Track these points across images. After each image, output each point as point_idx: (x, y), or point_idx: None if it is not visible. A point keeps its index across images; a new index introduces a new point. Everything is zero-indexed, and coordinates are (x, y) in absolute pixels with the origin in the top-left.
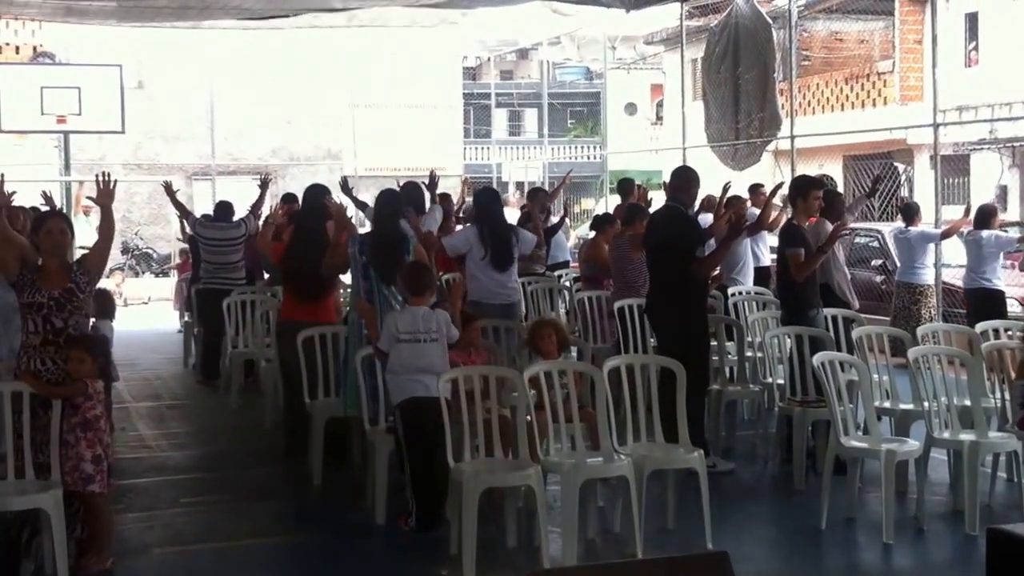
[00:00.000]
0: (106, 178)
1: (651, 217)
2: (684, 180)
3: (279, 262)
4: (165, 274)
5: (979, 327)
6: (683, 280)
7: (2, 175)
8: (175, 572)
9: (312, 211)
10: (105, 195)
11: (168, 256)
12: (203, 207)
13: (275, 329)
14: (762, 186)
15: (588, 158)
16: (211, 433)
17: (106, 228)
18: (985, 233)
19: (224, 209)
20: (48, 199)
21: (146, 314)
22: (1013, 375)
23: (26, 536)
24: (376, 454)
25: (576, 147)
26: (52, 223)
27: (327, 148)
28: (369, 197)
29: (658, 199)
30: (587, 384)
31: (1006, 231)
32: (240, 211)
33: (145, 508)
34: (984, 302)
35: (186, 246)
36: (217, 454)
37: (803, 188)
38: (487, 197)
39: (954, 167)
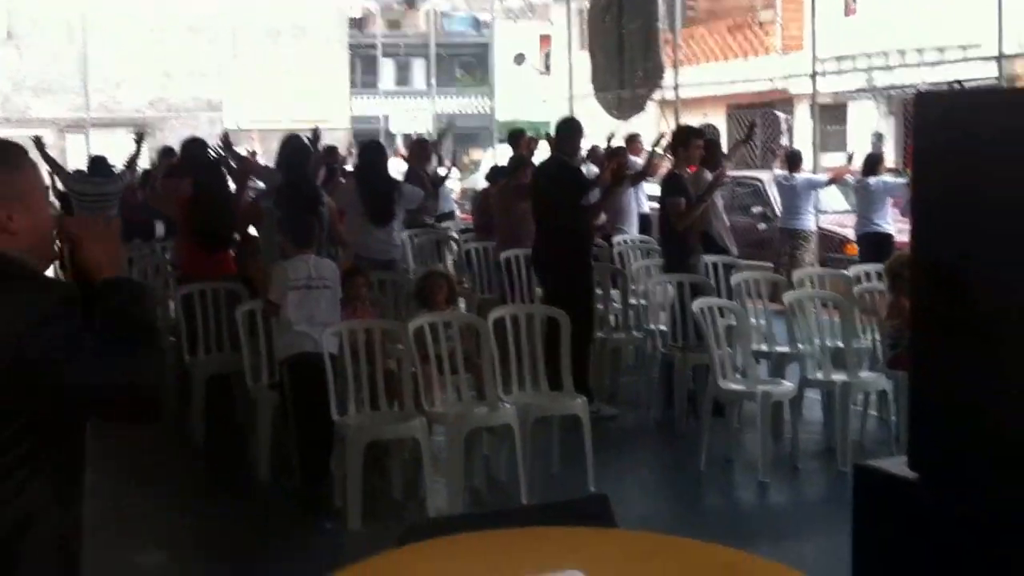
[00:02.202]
0: None
1: (536, 168)
2: (568, 131)
3: (183, 217)
4: None
5: (852, 270)
6: (568, 229)
7: None
8: None
9: (210, 163)
10: None
11: None
12: (77, 162)
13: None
14: (639, 136)
15: (477, 109)
16: None
17: None
18: (873, 179)
19: (99, 164)
20: None
21: None
22: (883, 316)
23: None
24: (259, 411)
25: (465, 97)
26: None
27: (207, 100)
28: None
29: (544, 150)
30: (473, 335)
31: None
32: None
33: None
34: (875, 246)
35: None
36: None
37: (684, 138)
38: (370, 152)
39: (833, 116)
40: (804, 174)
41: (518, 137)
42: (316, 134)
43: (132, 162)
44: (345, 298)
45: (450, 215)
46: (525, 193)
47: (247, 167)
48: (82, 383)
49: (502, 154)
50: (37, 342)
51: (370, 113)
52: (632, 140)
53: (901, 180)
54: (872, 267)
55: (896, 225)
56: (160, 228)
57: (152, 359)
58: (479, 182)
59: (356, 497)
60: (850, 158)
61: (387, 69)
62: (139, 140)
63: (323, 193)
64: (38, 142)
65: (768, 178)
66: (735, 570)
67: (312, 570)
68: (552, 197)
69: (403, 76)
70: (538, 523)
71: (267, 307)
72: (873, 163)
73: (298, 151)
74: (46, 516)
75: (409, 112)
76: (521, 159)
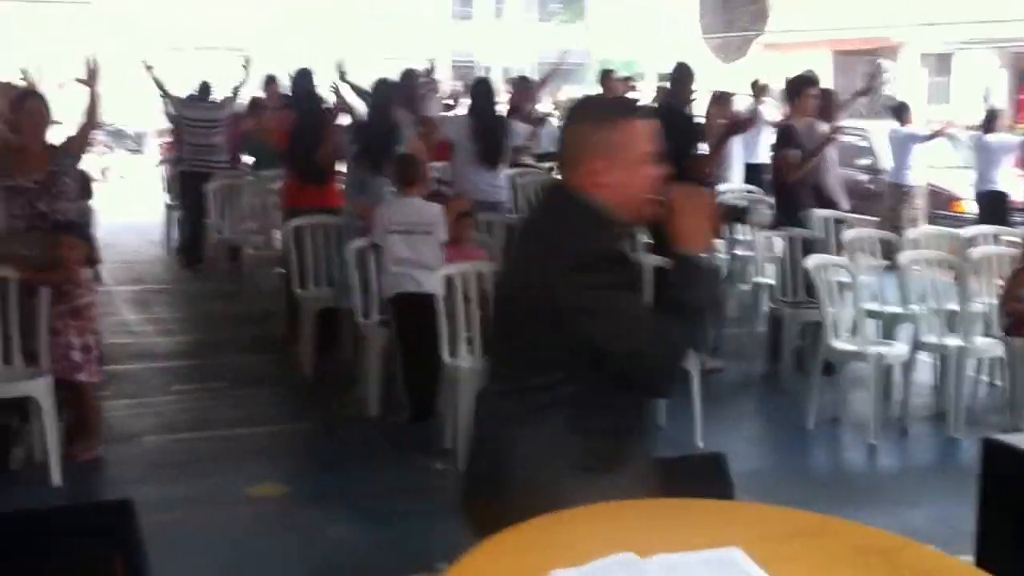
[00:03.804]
0: (92, 62)
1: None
2: (681, 77)
3: (284, 147)
4: (140, 151)
5: (970, 231)
6: (680, 178)
7: None
8: (167, 460)
9: (312, 95)
10: (91, 77)
11: (143, 135)
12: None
13: (284, 218)
14: (768, 86)
15: (573, 45)
16: (197, 319)
17: (91, 110)
18: (992, 137)
19: (205, 89)
20: (27, 75)
21: (123, 194)
22: (1006, 285)
23: (15, 424)
24: (369, 347)
25: (561, 32)
26: (31, 103)
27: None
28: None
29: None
30: None
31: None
32: (220, 90)
33: (133, 395)
34: (992, 204)
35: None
36: (204, 341)
37: (797, 87)
38: (482, 89)
39: (938, 66)
40: (909, 127)
41: (606, 77)
42: (431, 66)
43: (238, 89)
44: (451, 239)
45: (553, 155)
46: None
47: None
48: (598, 341)
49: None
50: (571, 289)
51: (464, 47)
52: (756, 87)
53: (1018, 137)
54: (992, 229)
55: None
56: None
57: (679, 343)
58: None
59: (466, 438)
60: (949, 123)
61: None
62: (246, 66)
63: (400, 130)
64: (146, 65)
65: (875, 129)
66: (896, 556)
67: (424, 511)
68: (664, 144)
69: (499, 8)
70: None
71: (372, 247)
72: (992, 120)
73: (381, 91)
74: (563, 444)
75: (504, 45)
76: None
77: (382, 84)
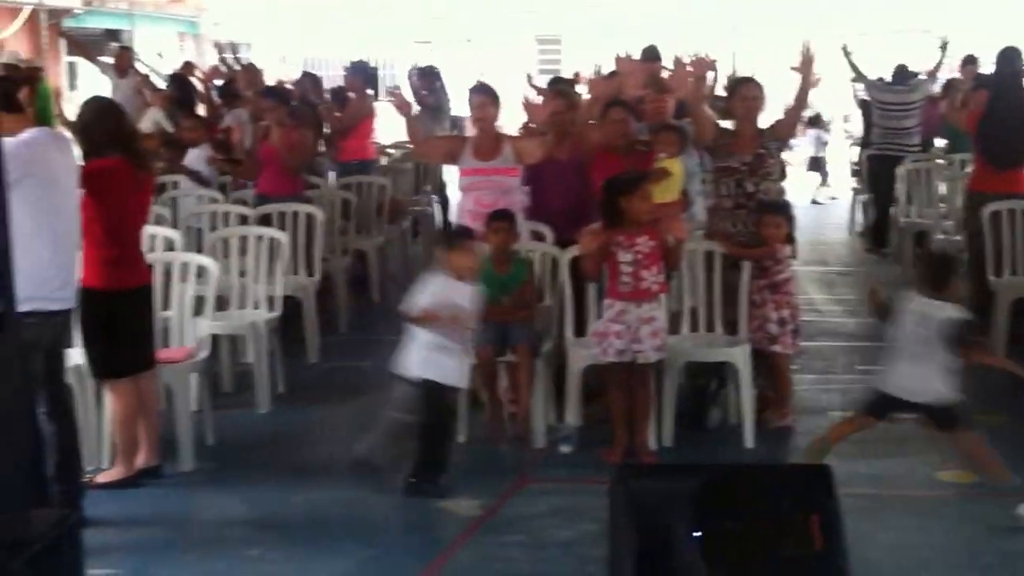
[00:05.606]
0: (808, 50)
1: None
2: None
3: (974, 129)
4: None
5: None
6: None
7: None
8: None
9: (1011, 75)
10: (806, 64)
11: (826, 120)
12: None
13: (965, 202)
14: None
15: None
16: None
17: (801, 96)
18: None
19: (901, 72)
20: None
21: (806, 176)
22: None
23: (713, 387)
24: None
25: None
26: (747, 89)
27: None
28: None
29: None
30: None
31: None
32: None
33: (820, 371)
34: None
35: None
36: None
37: None
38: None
39: None
40: None
41: None
42: None
43: (934, 72)
44: None
45: None
46: None
47: None
48: None
49: None
50: None
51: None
52: None
53: None
54: None
55: None
56: None
57: None
58: None
59: None
60: None
61: None
62: (943, 47)
63: None
64: (845, 51)
65: None
66: None
67: None
68: None
69: None
70: None
71: None
72: None
73: None
74: None
75: None
76: None
77: None
